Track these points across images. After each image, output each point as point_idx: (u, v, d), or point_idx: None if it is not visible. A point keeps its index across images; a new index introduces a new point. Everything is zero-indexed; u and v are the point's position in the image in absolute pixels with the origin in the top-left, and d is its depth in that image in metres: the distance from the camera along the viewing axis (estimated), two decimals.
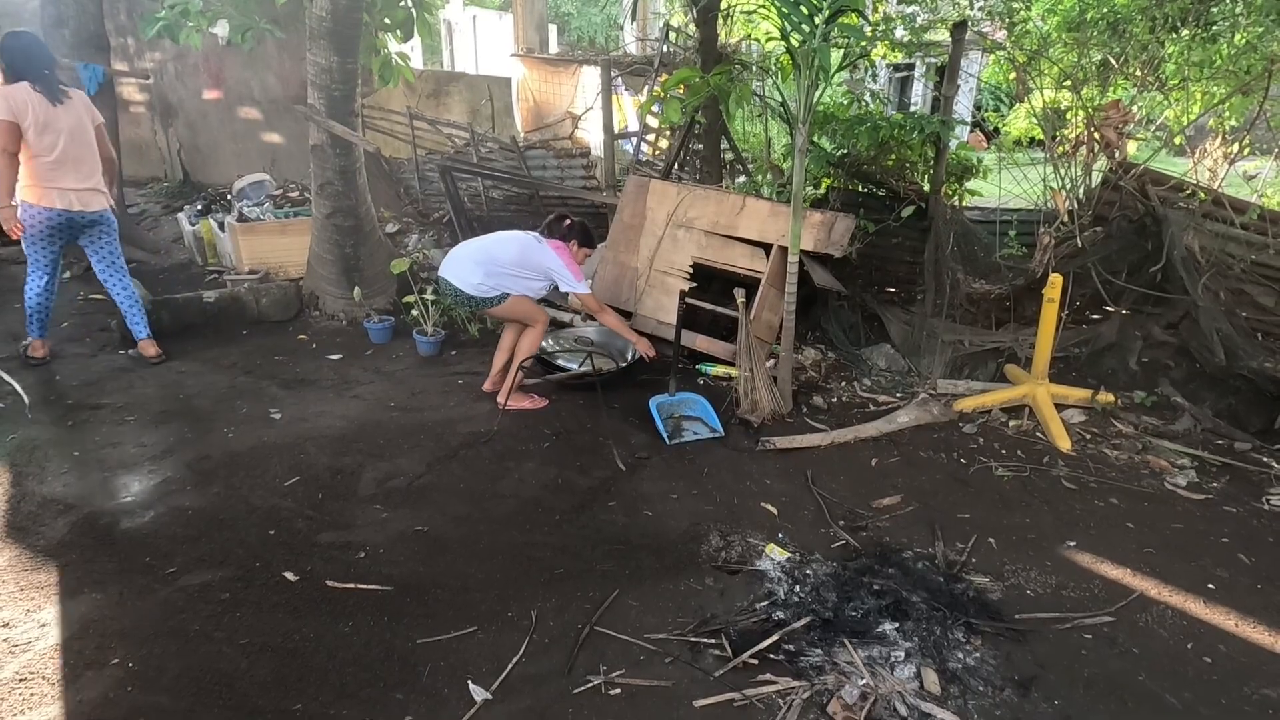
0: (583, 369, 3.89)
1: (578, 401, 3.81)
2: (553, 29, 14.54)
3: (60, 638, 2.06)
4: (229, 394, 3.82)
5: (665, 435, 3.47)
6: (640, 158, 6.53)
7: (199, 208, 6.19)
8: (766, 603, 2.31)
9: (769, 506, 2.93)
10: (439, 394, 3.94)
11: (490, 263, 3.55)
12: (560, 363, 4.06)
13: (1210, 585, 2.50)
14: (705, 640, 2.15)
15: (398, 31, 5.19)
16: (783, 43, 3.28)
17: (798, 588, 2.36)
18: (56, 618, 2.14)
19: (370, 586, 2.34)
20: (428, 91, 8.59)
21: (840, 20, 3.16)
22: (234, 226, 5.49)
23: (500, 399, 3.66)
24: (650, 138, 6.58)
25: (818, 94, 3.43)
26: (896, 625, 2.18)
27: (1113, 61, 3.76)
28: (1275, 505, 3.01)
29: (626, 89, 7.79)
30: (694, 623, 2.23)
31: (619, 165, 6.26)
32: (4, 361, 3.99)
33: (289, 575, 2.37)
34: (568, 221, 3.74)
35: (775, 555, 2.55)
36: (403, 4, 4.95)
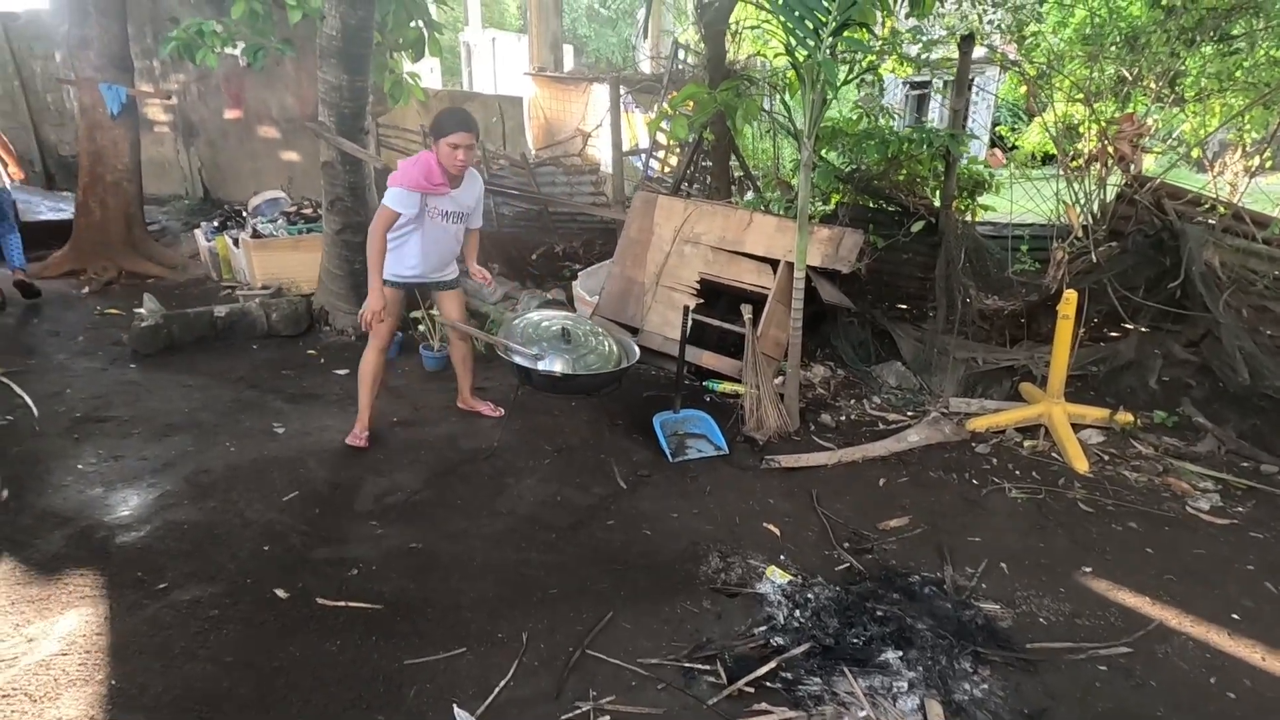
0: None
1: (581, 418, 3.76)
2: (569, 50, 14.71)
3: (47, 653, 2.04)
4: (233, 408, 3.82)
5: (668, 453, 3.42)
6: (650, 174, 6.53)
7: (215, 224, 6.28)
8: (765, 627, 2.24)
9: (771, 527, 2.85)
10: (442, 409, 3.92)
11: None
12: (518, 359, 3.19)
13: (1234, 615, 2.38)
14: (700, 666, 2.07)
15: (410, 51, 5.25)
16: (789, 58, 3.26)
17: (798, 612, 2.28)
18: (45, 632, 2.12)
19: (360, 605, 2.30)
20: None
21: (845, 34, 3.14)
22: (247, 243, 5.55)
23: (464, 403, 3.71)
24: (660, 154, 6.59)
25: (823, 109, 3.40)
26: (900, 654, 2.09)
27: (1127, 75, 3.69)
28: None
29: (637, 106, 7.83)
30: (689, 647, 2.16)
31: (630, 181, 6.27)
32: (17, 375, 4.04)
33: (279, 592, 2.34)
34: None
35: (776, 578, 2.48)
36: (414, 24, 5.01)
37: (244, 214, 6.24)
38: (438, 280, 3.42)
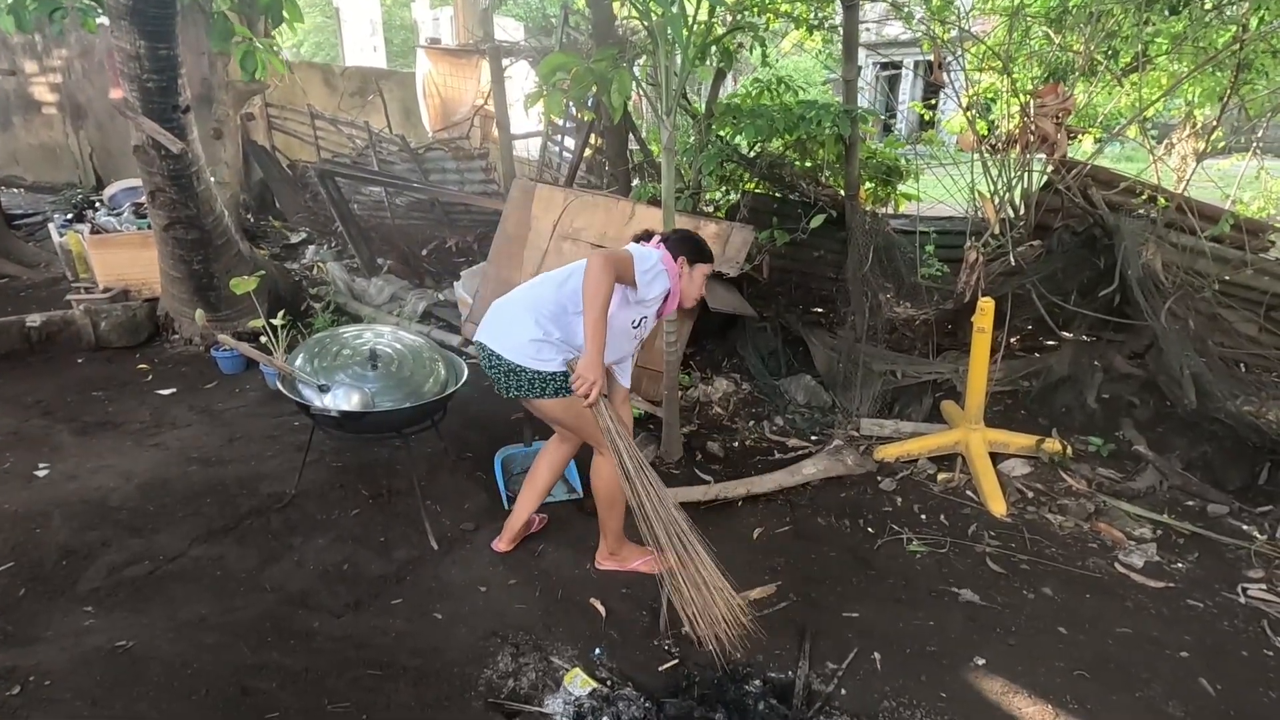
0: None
1: (423, 450, 3.15)
2: (519, 27, 13.85)
3: None
4: (4, 443, 3.20)
5: (506, 497, 2.84)
6: (555, 160, 5.90)
7: (68, 216, 5.58)
8: None
9: (599, 604, 2.29)
10: (261, 440, 3.32)
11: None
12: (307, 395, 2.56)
13: None
14: None
15: (267, 16, 4.55)
16: (638, 15, 2.66)
17: None
18: None
19: None
20: (351, 90, 7.96)
21: None
22: (89, 239, 4.87)
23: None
24: (558, 137, 5.96)
25: (709, 80, 2.81)
26: None
27: (1052, 36, 3.10)
28: (1254, 598, 2.35)
29: None
30: None
31: (537, 167, 5.63)
32: None
33: None
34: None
35: (575, 688, 1.91)
36: None
37: (96, 205, 5.54)
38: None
